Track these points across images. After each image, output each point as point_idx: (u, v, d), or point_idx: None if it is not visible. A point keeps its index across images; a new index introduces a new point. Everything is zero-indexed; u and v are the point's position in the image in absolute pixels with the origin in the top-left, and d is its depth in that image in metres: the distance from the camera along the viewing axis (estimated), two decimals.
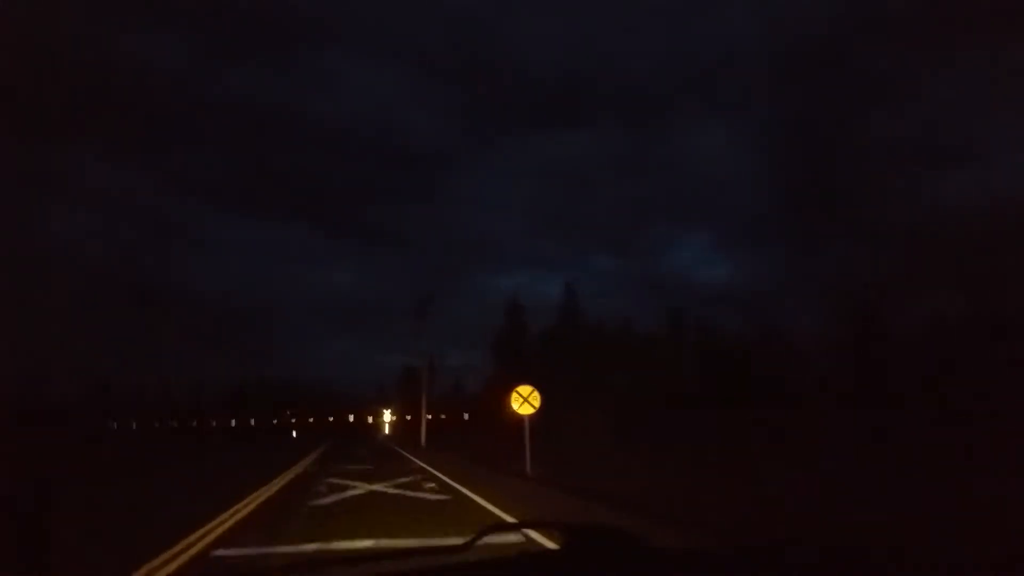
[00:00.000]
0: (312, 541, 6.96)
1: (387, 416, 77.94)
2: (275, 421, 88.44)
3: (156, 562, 6.19)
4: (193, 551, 6.77)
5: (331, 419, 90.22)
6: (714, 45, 67.62)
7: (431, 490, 12.38)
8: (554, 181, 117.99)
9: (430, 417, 79.88)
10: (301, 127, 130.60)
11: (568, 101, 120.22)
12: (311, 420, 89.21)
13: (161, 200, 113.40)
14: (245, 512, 9.65)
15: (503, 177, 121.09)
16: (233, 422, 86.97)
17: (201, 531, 7.82)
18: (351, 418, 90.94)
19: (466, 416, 73.02)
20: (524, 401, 17.45)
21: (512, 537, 6.12)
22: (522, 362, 41.89)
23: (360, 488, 12.76)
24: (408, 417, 77.91)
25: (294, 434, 73.23)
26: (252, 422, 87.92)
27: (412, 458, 22.54)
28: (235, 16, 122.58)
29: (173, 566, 6.12)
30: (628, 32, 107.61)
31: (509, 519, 8.84)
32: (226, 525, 8.40)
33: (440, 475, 16.00)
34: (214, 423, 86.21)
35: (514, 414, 17.89)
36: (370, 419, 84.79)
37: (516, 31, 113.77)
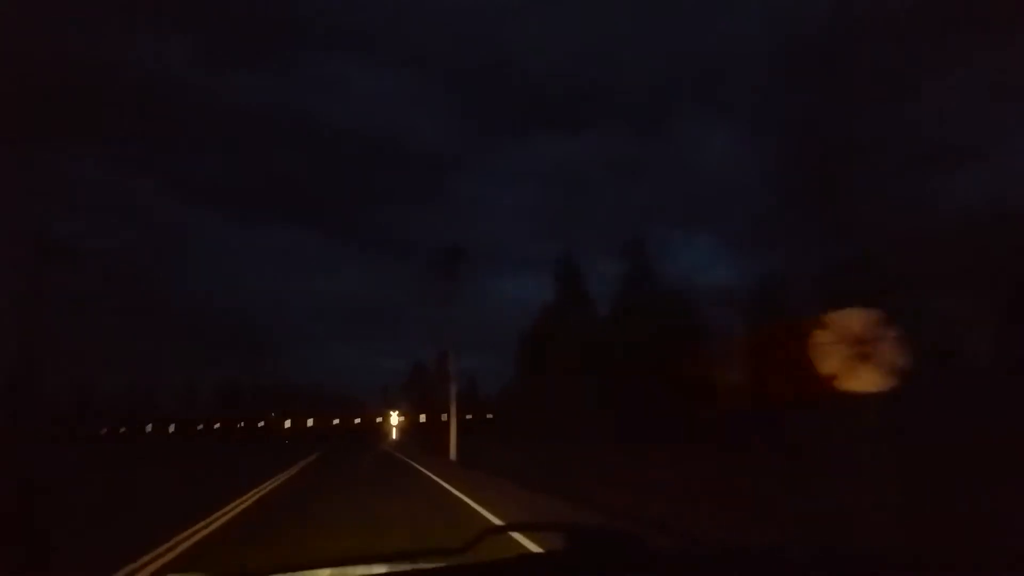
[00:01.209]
0: None
1: (394, 419, 67.17)
2: (261, 424, 78.24)
3: None
4: None
5: (335, 422, 79.79)
6: (716, 46, 66.55)
7: None
8: (557, 183, 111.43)
9: (444, 417, 68.76)
10: (303, 130, 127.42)
11: (571, 103, 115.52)
12: (309, 424, 78.14)
13: (162, 203, 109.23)
14: None
15: (506, 180, 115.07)
16: (217, 426, 77.54)
17: None
18: (357, 421, 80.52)
19: (490, 416, 60.50)
20: (864, 348, 5.35)
21: (512, 540, 5.78)
22: (587, 343, 29.69)
23: None
24: (422, 418, 67.09)
25: (286, 441, 63.23)
26: (241, 426, 78.85)
27: (461, 496, 10.56)
28: (238, 19, 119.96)
29: None
30: (630, 34, 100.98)
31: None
32: None
33: None
34: (199, 427, 77.83)
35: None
36: (379, 420, 74.29)
37: (519, 34, 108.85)
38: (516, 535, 5.90)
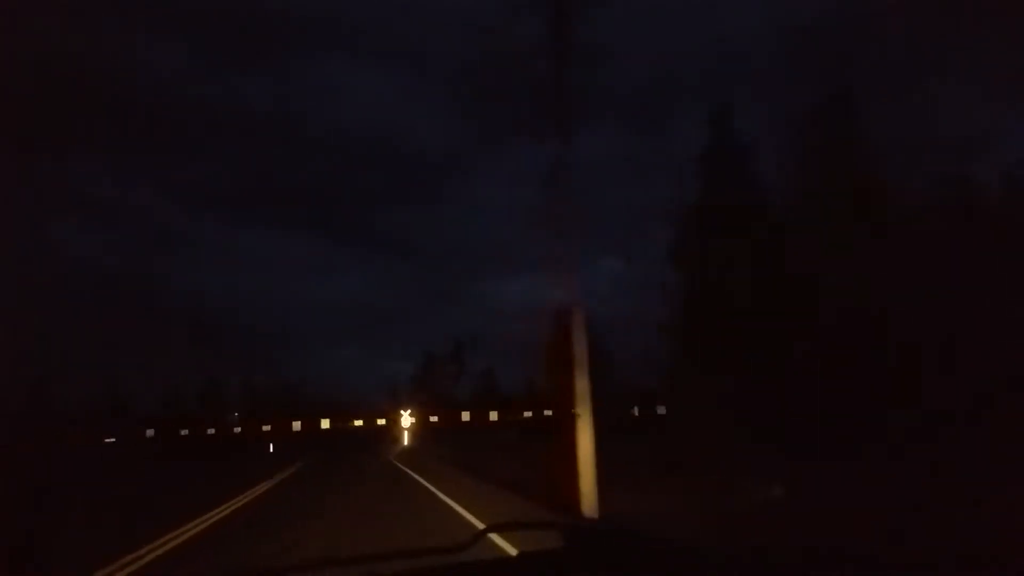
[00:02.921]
0: None
1: (406, 420, 59.68)
2: (237, 430, 72.80)
3: None
4: None
5: (330, 425, 72.99)
6: (715, 44, 64.32)
7: None
8: (556, 184, 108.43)
9: (494, 416, 51.54)
10: (303, 134, 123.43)
11: (570, 103, 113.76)
12: (272, 427, 71.49)
13: (162, 208, 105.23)
14: None
15: (505, 181, 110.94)
16: (211, 431, 71.24)
17: None
18: (378, 421, 73.95)
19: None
20: None
21: (512, 539, 5.75)
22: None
23: None
24: (434, 418, 59.59)
25: (270, 448, 56.03)
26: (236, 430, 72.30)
27: None
28: (237, 21, 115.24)
29: None
30: (628, 33, 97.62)
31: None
32: None
33: None
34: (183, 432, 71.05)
35: None
36: (382, 422, 67.14)
37: (519, 34, 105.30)
38: (516, 535, 5.90)
